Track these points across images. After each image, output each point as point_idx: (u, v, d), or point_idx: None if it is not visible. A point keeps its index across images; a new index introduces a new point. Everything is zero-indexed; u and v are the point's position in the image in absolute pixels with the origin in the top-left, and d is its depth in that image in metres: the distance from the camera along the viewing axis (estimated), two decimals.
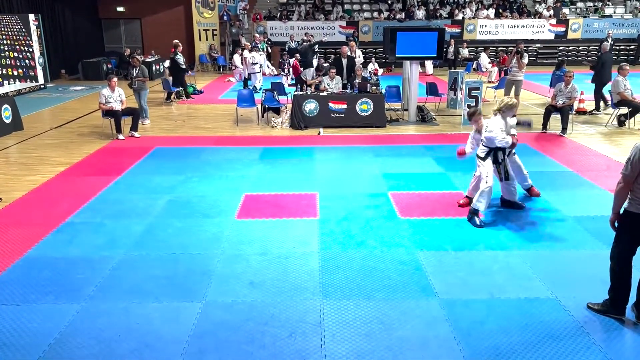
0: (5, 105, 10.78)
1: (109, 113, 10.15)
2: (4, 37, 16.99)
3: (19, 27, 16.97)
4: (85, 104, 14.62)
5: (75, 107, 14.19)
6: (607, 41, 18.92)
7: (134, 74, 11.55)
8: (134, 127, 10.44)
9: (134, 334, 3.99)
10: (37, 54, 17.30)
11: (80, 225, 6.06)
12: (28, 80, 17.32)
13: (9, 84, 16.82)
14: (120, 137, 10.16)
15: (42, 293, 4.58)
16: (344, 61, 12.16)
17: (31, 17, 17.09)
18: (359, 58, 15.27)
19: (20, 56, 17.25)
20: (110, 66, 20.76)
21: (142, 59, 20.63)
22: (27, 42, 17.12)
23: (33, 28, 17.08)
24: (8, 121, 10.83)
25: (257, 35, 19.80)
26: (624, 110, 10.97)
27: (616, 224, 4.06)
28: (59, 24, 20.90)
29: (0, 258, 5.23)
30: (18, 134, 10.81)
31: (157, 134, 10.75)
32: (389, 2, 24.20)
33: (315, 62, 16.54)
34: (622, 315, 4.14)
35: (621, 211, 4.02)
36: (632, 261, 4.03)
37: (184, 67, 14.96)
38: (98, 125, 11.25)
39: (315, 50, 17.73)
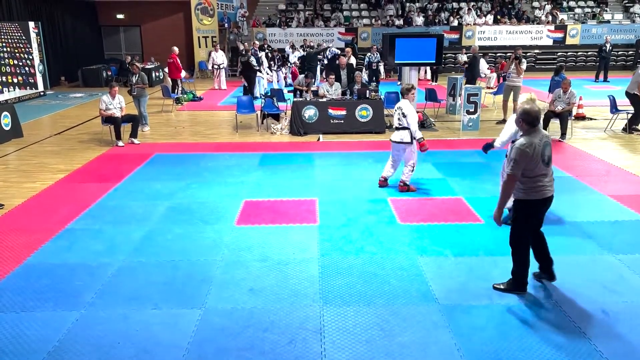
0: (5, 113, 10.79)
1: (108, 120, 10.17)
2: (4, 44, 17.04)
3: (19, 34, 17.03)
4: (84, 110, 14.64)
5: (75, 114, 14.22)
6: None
7: (134, 81, 11.52)
8: (134, 134, 10.45)
9: (133, 341, 3.98)
10: (36, 61, 17.34)
11: (80, 232, 6.06)
12: (28, 87, 17.35)
13: (8, 91, 16.85)
14: (120, 143, 10.17)
15: (41, 300, 4.57)
16: (343, 72, 12.20)
17: (31, 24, 17.15)
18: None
19: (20, 63, 17.29)
20: (110, 73, 20.80)
21: (142, 65, 20.75)
22: (27, 49, 17.17)
23: (33, 35, 17.13)
24: (8, 128, 10.84)
25: (256, 42, 19.83)
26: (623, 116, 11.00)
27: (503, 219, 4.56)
28: (58, 31, 20.97)
29: (0, 265, 5.22)
30: (18, 141, 10.81)
31: (157, 141, 10.76)
32: (387, 8, 24.29)
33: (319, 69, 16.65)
34: (524, 292, 4.62)
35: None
36: (529, 245, 4.54)
37: (257, 67, 15.68)
38: (98, 132, 11.26)
39: (321, 58, 17.83)
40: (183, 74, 16.71)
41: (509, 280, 4.67)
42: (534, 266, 4.73)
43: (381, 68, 18.12)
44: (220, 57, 18.42)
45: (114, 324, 4.20)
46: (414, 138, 7.06)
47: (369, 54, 17.34)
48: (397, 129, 7.19)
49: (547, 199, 4.46)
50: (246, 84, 15.47)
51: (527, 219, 4.50)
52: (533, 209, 4.46)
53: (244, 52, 15.96)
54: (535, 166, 4.30)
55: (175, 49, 16.36)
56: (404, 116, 7.04)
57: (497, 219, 4.50)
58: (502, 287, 4.68)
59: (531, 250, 4.65)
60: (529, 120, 4.30)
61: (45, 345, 3.94)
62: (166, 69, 16.93)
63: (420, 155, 9.31)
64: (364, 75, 17.46)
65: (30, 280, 4.91)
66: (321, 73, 15.63)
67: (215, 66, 18.35)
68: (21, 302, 4.54)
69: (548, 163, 4.39)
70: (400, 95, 7.27)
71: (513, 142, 4.44)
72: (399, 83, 18.02)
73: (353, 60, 16.08)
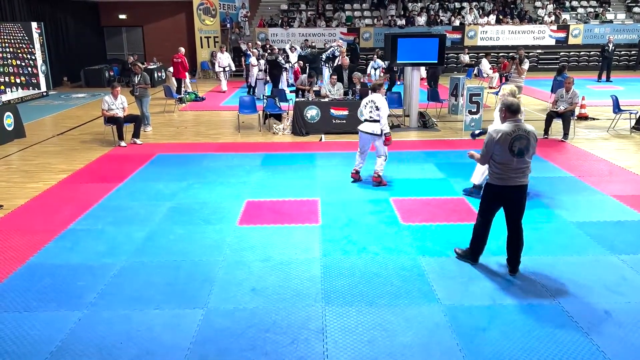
0: (8, 113, 10.81)
1: (111, 120, 10.18)
2: (6, 45, 17.07)
3: (22, 35, 17.06)
4: (87, 111, 14.66)
5: (77, 114, 14.24)
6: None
7: (136, 81, 11.51)
8: (136, 134, 10.45)
9: (135, 341, 3.99)
10: (39, 61, 17.37)
11: (82, 233, 6.07)
12: (30, 87, 17.38)
13: (11, 91, 16.88)
14: (122, 144, 10.18)
15: (43, 300, 4.58)
16: (345, 73, 12.19)
17: (34, 25, 17.17)
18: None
19: (23, 64, 17.32)
20: (112, 73, 20.83)
21: (145, 66, 20.76)
22: (30, 49, 17.20)
23: (35, 36, 17.16)
24: (10, 128, 10.86)
25: (258, 42, 19.85)
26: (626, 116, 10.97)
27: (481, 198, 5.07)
28: (61, 31, 21.01)
29: (2, 265, 5.24)
30: (20, 142, 10.83)
31: (159, 141, 10.77)
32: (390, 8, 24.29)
33: (325, 70, 16.63)
34: (476, 262, 5.17)
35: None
36: (491, 223, 5.02)
37: (285, 66, 16.10)
38: (100, 133, 11.27)
39: (323, 58, 17.81)
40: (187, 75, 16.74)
41: (467, 249, 5.22)
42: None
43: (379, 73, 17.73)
44: (225, 59, 18.14)
45: (116, 325, 4.20)
46: (382, 131, 7.37)
47: (372, 62, 16.80)
48: (368, 121, 7.41)
49: (510, 188, 4.75)
50: (269, 81, 15.91)
51: (487, 199, 4.93)
52: (492, 192, 4.87)
53: (270, 51, 16.48)
54: (500, 152, 4.66)
55: (182, 49, 16.38)
56: (377, 109, 7.30)
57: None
58: (460, 252, 5.29)
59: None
60: (509, 109, 4.73)
61: (48, 345, 3.95)
62: (170, 69, 16.92)
63: (422, 156, 9.32)
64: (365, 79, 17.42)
65: (32, 281, 4.92)
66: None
67: (220, 68, 18.06)
68: (24, 302, 4.55)
69: (518, 154, 4.64)
70: (374, 90, 7.50)
71: None
72: (399, 83, 18.01)
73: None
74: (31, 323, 4.24)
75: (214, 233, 6.00)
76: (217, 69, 18.20)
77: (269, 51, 16.75)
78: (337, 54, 16.79)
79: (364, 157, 7.77)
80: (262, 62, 16.07)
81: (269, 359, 3.77)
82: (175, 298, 4.60)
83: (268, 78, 15.96)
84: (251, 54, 17.04)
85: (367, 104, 7.45)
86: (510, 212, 4.89)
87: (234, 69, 18.43)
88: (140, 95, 11.53)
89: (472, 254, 5.19)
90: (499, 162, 4.69)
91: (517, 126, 4.67)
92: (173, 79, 16.60)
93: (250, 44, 19.01)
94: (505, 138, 4.60)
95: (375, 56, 17.04)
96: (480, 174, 7.06)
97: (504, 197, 4.82)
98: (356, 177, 7.80)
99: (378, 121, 7.33)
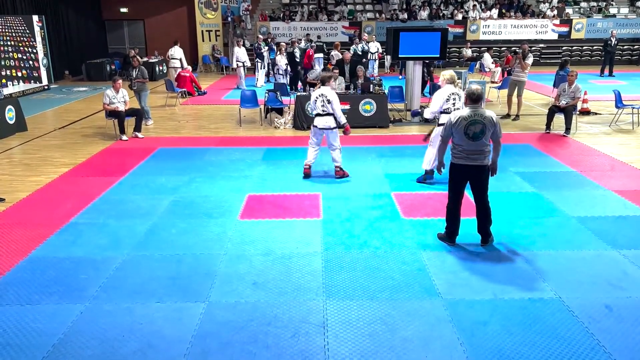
0: (9, 107, 10.82)
1: (112, 114, 10.17)
2: (8, 38, 17.04)
3: (23, 28, 17.03)
4: (88, 104, 14.66)
5: (79, 108, 14.24)
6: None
7: (134, 75, 11.44)
8: (138, 128, 10.45)
9: (137, 334, 4.00)
10: (40, 55, 17.35)
11: (84, 226, 6.08)
12: (32, 81, 17.37)
13: (12, 85, 16.86)
14: (124, 137, 10.18)
15: (46, 293, 4.60)
16: (347, 67, 12.18)
17: (35, 18, 17.14)
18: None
19: (24, 57, 17.31)
20: (113, 67, 20.81)
21: (146, 59, 20.73)
22: (31, 43, 17.18)
23: (37, 29, 17.13)
24: (12, 122, 10.87)
25: (260, 36, 19.80)
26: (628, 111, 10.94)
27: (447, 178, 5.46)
28: (62, 25, 20.97)
29: (5, 258, 5.25)
30: (22, 135, 10.84)
31: (161, 135, 10.77)
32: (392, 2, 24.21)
33: (317, 66, 16.62)
34: (453, 243, 5.47)
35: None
36: (461, 202, 5.39)
37: (298, 60, 16.39)
38: (101, 126, 11.27)
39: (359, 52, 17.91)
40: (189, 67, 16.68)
41: (445, 231, 5.54)
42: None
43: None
44: (243, 54, 17.28)
45: (118, 318, 4.22)
46: (339, 123, 7.49)
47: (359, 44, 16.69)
48: (321, 115, 7.48)
49: (469, 167, 5.20)
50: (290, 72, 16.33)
51: (453, 177, 5.35)
52: (455, 171, 5.30)
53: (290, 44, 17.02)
54: (456, 135, 5.13)
55: (189, 67, 16.34)
56: (329, 102, 7.38)
57: (437, 169, 5.61)
58: (440, 236, 5.60)
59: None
60: (470, 97, 5.17)
61: (50, 338, 3.96)
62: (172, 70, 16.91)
63: (423, 150, 9.29)
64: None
65: (35, 274, 4.94)
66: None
67: (240, 63, 17.12)
68: (26, 295, 4.57)
69: (473, 138, 5.09)
70: (323, 83, 7.58)
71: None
72: (400, 77, 18.00)
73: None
74: (33, 316, 4.25)
75: (216, 227, 6.01)
76: (234, 64, 17.39)
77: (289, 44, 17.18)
78: (366, 48, 16.89)
79: (316, 150, 7.78)
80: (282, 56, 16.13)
81: (270, 353, 3.79)
82: (177, 291, 4.61)
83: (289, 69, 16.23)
84: (275, 48, 17.04)
85: (317, 97, 7.47)
86: (474, 189, 5.35)
87: (249, 64, 17.64)
88: (138, 89, 11.49)
89: (447, 235, 5.48)
90: (457, 143, 5.17)
91: (474, 112, 5.10)
92: (173, 73, 16.53)
93: (273, 38, 19.09)
94: (461, 122, 5.07)
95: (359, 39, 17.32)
96: (428, 160, 7.36)
97: (467, 174, 5.26)
98: (308, 172, 7.79)
99: (331, 114, 7.40)
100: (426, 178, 7.47)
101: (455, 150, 5.20)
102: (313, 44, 18.09)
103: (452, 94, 7.15)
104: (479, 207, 5.38)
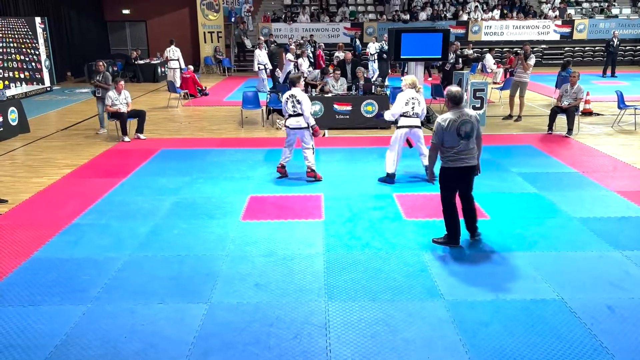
0: (12, 108, 10.84)
1: (114, 115, 10.19)
2: (10, 40, 17.09)
3: (26, 30, 17.07)
4: (91, 106, 14.65)
5: (81, 109, 14.26)
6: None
7: (97, 80, 10.77)
8: (140, 129, 10.47)
9: (139, 335, 4.01)
10: (43, 56, 17.39)
11: (86, 227, 6.09)
12: (34, 82, 17.41)
13: (15, 86, 16.91)
14: (126, 139, 10.20)
15: (48, 294, 4.61)
16: (348, 67, 12.19)
17: (37, 20, 17.18)
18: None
19: (27, 59, 17.35)
20: (115, 69, 20.83)
21: (148, 61, 20.76)
22: (34, 44, 17.22)
23: (39, 31, 17.17)
24: (14, 123, 10.89)
25: (261, 37, 19.82)
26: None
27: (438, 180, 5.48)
28: (65, 26, 21.01)
29: (7, 259, 5.26)
30: (24, 136, 10.87)
31: (163, 136, 10.79)
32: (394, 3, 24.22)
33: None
34: (458, 245, 5.43)
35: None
36: (455, 203, 5.37)
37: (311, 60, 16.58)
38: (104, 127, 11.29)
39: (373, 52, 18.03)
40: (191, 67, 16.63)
41: (445, 235, 5.51)
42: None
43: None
44: (264, 57, 16.59)
45: (120, 319, 4.22)
46: (308, 124, 7.51)
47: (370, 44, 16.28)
48: (292, 115, 7.53)
49: (462, 168, 5.22)
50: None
51: (446, 183, 5.34)
52: (450, 175, 5.27)
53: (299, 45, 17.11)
54: (450, 138, 5.11)
55: (191, 67, 16.32)
56: (299, 103, 7.42)
57: (429, 177, 5.61)
58: (440, 240, 5.52)
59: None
60: (453, 100, 5.21)
61: (53, 339, 3.97)
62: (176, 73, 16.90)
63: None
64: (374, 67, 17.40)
65: (37, 275, 4.95)
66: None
67: (261, 66, 16.42)
68: (29, 296, 4.57)
69: (465, 137, 5.11)
70: (293, 84, 7.61)
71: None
72: (402, 77, 17.99)
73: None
74: (36, 317, 4.26)
75: (218, 228, 6.01)
76: (255, 67, 16.60)
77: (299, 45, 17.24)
78: (385, 47, 16.91)
79: (290, 150, 7.82)
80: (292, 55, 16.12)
81: (272, 353, 3.79)
82: (179, 292, 4.62)
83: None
84: (289, 49, 16.92)
85: (287, 99, 7.54)
86: (462, 188, 5.40)
87: (270, 67, 17.04)
88: (102, 97, 10.67)
89: (453, 237, 5.45)
90: (449, 146, 5.15)
91: (460, 112, 5.16)
92: (176, 76, 16.51)
93: (290, 39, 19.14)
94: (453, 124, 5.10)
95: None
96: (391, 162, 7.48)
97: (459, 176, 5.29)
98: (282, 172, 7.86)
99: (302, 114, 7.44)
100: (386, 180, 7.56)
101: (448, 154, 5.19)
102: (321, 44, 18.17)
103: (412, 98, 7.33)
104: (467, 205, 5.47)
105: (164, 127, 11.69)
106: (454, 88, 5.30)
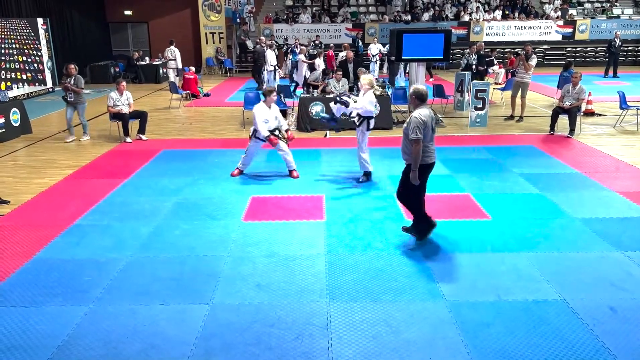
0: (14, 109, 10.86)
1: (116, 116, 10.20)
2: (12, 41, 17.11)
3: (28, 31, 17.11)
4: (93, 107, 14.68)
5: None
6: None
7: (69, 84, 10.10)
8: (142, 130, 10.48)
9: (141, 336, 4.01)
10: (45, 57, 17.42)
11: (88, 228, 6.10)
12: (37, 83, 17.43)
13: (17, 87, 16.93)
14: (128, 140, 10.21)
15: (50, 295, 4.61)
16: (350, 66, 12.19)
17: (40, 21, 17.22)
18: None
19: (29, 60, 17.37)
20: (117, 69, 20.88)
21: (150, 62, 20.77)
22: (36, 46, 17.25)
23: (41, 32, 17.21)
24: (17, 124, 10.91)
25: (262, 38, 19.83)
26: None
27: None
28: (67, 27, 21.05)
29: (9, 260, 5.27)
30: (27, 137, 10.88)
31: (164, 137, 10.80)
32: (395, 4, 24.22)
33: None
34: (421, 239, 5.57)
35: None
36: (423, 201, 5.57)
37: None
38: (106, 129, 11.30)
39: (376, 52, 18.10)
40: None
41: (412, 224, 5.68)
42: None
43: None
44: (273, 58, 16.13)
45: (122, 319, 4.23)
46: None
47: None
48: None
49: (433, 164, 5.41)
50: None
51: (422, 178, 5.38)
52: (424, 171, 5.36)
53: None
54: (427, 134, 5.19)
55: (192, 68, 16.34)
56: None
57: (413, 179, 5.30)
58: (410, 230, 5.66)
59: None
60: (420, 98, 5.28)
61: (54, 339, 3.97)
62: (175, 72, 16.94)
63: None
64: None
65: (39, 276, 4.96)
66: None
67: (271, 67, 16.02)
68: (30, 297, 4.58)
69: (433, 133, 5.31)
70: (263, 97, 7.90)
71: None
72: (405, 78, 17.96)
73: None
74: (38, 318, 4.27)
75: (219, 228, 6.02)
76: (269, 67, 16.01)
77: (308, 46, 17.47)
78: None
79: (284, 155, 7.91)
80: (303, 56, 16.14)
81: (273, 354, 3.79)
82: (181, 293, 4.62)
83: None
84: (298, 50, 16.80)
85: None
86: (426, 183, 5.54)
87: (280, 71, 16.88)
88: (75, 102, 10.22)
89: (422, 231, 5.59)
90: (426, 143, 5.23)
91: (429, 108, 5.30)
92: (171, 76, 16.51)
93: (297, 40, 19.15)
94: (431, 121, 5.25)
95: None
96: (368, 161, 7.55)
97: (428, 171, 5.44)
98: (294, 175, 7.96)
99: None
100: (360, 179, 7.61)
101: (428, 149, 5.27)
102: (331, 45, 18.21)
103: (375, 99, 7.60)
104: (424, 199, 5.64)
105: (166, 128, 11.71)
106: (419, 86, 5.38)
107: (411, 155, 5.22)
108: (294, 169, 7.92)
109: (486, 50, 16.27)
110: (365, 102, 7.24)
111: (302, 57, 16.17)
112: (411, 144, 5.17)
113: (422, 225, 5.60)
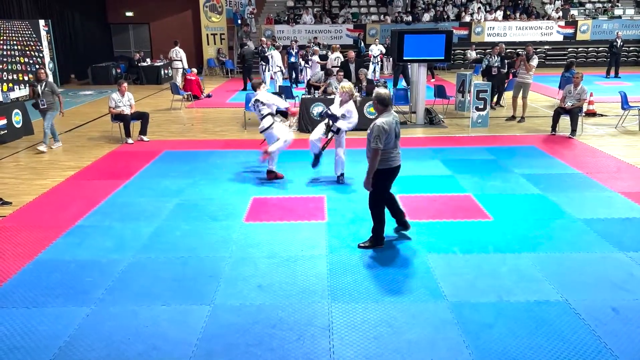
0: (16, 110, 10.88)
1: (118, 117, 10.21)
2: (14, 42, 17.13)
3: (30, 32, 17.12)
4: (94, 108, 14.73)
5: (85, 111, 14.31)
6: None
7: (40, 90, 9.55)
8: (143, 131, 10.49)
9: (142, 337, 4.01)
10: (47, 59, 17.44)
11: (90, 229, 6.10)
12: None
13: (19, 89, 16.94)
14: (130, 141, 10.22)
15: (52, 296, 4.62)
16: (352, 66, 12.17)
17: (41, 22, 17.24)
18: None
19: (31, 61, 17.38)
20: (119, 71, 20.90)
21: (151, 63, 20.78)
22: (38, 47, 17.27)
23: (43, 33, 17.23)
24: (19, 126, 10.93)
25: (263, 39, 19.83)
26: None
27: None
28: (68, 29, 21.09)
29: (11, 261, 5.28)
30: (28, 139, 10.90)
31: (166, 138, 10.81)
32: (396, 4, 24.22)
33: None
34: (382, 245, 5.48)
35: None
36: (384, 206, 5.48)
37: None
38: (107, 130, 11.32)
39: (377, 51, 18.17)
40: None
41: (370, 237, 5.52)
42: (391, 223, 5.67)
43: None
44: (278, 58, 15.95)
45: (123, 320, 4.23)
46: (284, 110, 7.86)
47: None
48: (261, 118, 7.80)
49: (396, 168, 5.39)
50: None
51: (384, 184, 5.39)
52: (386, 176, 5.34)
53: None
54: (390, 140, 5.18)
55: (194, 69, 16.35)
56: (262, 104, 7.69)
57: (367, 184, 5.29)
58: (366, 244, 5.48)
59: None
60: (383, 103, 5.24)
61: (56, 340, 3.98)
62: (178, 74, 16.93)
63: (428, 152, 9.29)
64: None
65: (41, 277, 4.96)
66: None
67: (278, 68, 15.83)
68: (32, 298, 4.59)
69: (398, 137, 5.30)
70: (253, 89, 8.03)
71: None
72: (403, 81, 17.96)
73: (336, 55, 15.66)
74: (40, 318, 4.27)
75: (221, 229, 6.02)
76: (275, 69, 15.78)
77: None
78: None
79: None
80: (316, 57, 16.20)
81: (275, 355, 3.79)
82: (182, 294, 4.62)
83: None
84: (314, 52, 17.02)
85: (253, 104, 7.85)
86: (390, 187, 5.55)
87: (284, 71, 16.62)
88: (47, 109, 9.64)
89: (379, 238, 5.50)
90: (387, 149, 5.21)
91: (392, 114, 5.28)
92: (178, 76, 16.52)
93: (293, 42, 19.08)
94: (392, 126, 5.19)
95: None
96: (319, 145, 7.60)
97: (393, 175, 5.42)
98: (276, 175, 7.95)
99: (266, 116, 7.68)
100: (341, 179, 7.72)
101: (387, 155, 5.23)
102: (337, 46, 18.21)
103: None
104: (394, 201, 5.71)
105: (167, 129, 11.72)
106: (382, 90, 5.34)
107: (369, 161, 5.25)
108: (269, 152, 7.70)
109: (507, 51, 15.88)
110: (355, 119, 7.35)
111: (316, 57, 16.25)
112: (370, 151, 5.23)
113: (379, 230, 5.49)
